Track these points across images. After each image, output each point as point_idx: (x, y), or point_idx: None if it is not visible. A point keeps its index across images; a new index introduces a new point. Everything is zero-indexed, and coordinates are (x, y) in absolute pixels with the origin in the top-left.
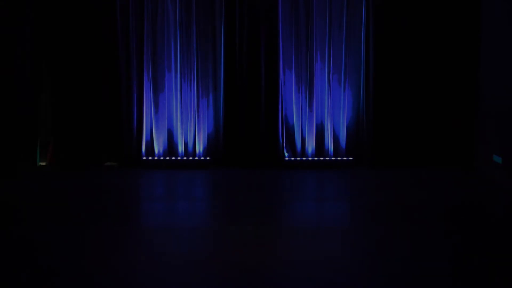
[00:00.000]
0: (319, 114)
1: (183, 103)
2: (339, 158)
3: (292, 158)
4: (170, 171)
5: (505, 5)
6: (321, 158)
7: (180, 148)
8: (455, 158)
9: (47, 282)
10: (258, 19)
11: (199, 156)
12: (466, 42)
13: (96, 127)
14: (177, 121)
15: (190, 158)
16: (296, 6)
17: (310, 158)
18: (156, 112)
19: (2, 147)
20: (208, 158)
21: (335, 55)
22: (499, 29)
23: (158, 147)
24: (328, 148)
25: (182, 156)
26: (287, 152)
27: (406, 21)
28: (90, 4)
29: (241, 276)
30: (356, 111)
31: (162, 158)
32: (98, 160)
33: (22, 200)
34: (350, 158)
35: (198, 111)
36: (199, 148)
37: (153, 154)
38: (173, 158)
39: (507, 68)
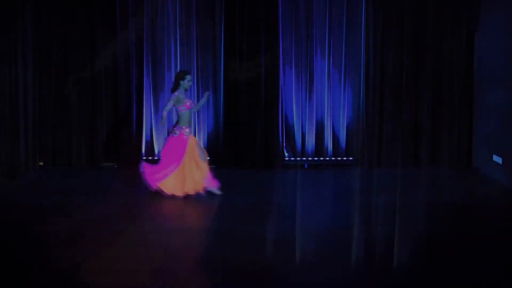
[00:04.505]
0: (319, 113)
1: None
2: (339, 158)
3: (292, 158)
4: None
5: (505, 4)
6: (321, 158)
7: None
8: (455, 158)
9: (46, 280)
10: (258, 18)
11: None
12: (466, 42)
13: (96, 127)
14: None
15: None
16: (296, 6)
17: (310, 158)
18: (156, 112)
19: (2, 147)
20: (208, 158)
21: (335, 55)
22: (499, 28)
23: (158, 147)
24: (328, 148)
25: None
26: (287, 152)
27: (406, 20)
28: (90, 4)
29: (241, 276)
30: (356, 111)
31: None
32: (98, 160)
33: (21, 200)
34: (350, 158)
35: (198, 111)
36: None
37: (153, 154)
38: None
39: (507, 68)
